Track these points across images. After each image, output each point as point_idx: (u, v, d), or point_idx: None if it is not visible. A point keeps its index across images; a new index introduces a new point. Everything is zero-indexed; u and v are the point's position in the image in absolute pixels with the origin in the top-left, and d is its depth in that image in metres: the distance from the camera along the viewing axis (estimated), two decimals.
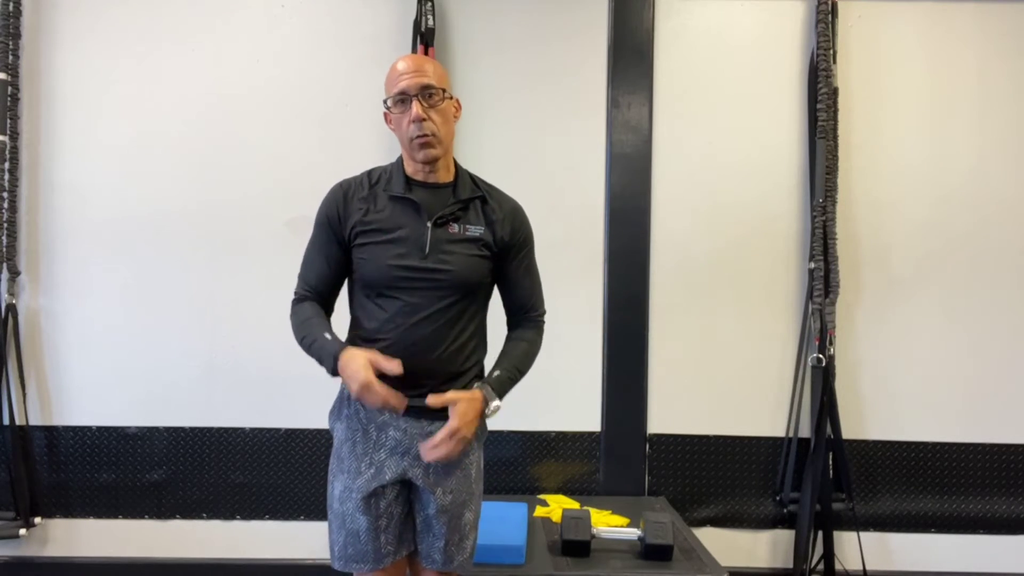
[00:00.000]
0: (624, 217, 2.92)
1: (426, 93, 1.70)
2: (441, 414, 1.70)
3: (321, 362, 1.69)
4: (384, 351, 1.66)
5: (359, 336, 1.76)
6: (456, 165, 1.83)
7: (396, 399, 1.62)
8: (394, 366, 1.60)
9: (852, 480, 2.87)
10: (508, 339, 1.85)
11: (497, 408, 1.72)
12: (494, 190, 1.85)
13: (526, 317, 1.86)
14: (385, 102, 1.75)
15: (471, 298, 1.76)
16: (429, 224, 1.72)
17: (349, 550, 1.73)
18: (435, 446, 1.65)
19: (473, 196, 1.78)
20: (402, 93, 1.70)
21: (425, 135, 1.69)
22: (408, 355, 1.66)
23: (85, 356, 2.90)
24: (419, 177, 1.78)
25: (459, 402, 1.66)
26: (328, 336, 1.71)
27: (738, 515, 2.94)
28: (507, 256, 1.80)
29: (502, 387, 1.74)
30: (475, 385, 1.73)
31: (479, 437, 1.82)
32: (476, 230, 1.76)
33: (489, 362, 1.84)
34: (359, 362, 1.60)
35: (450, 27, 2.92)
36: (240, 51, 2.92)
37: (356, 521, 1.72)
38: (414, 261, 1.70)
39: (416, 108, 1.68)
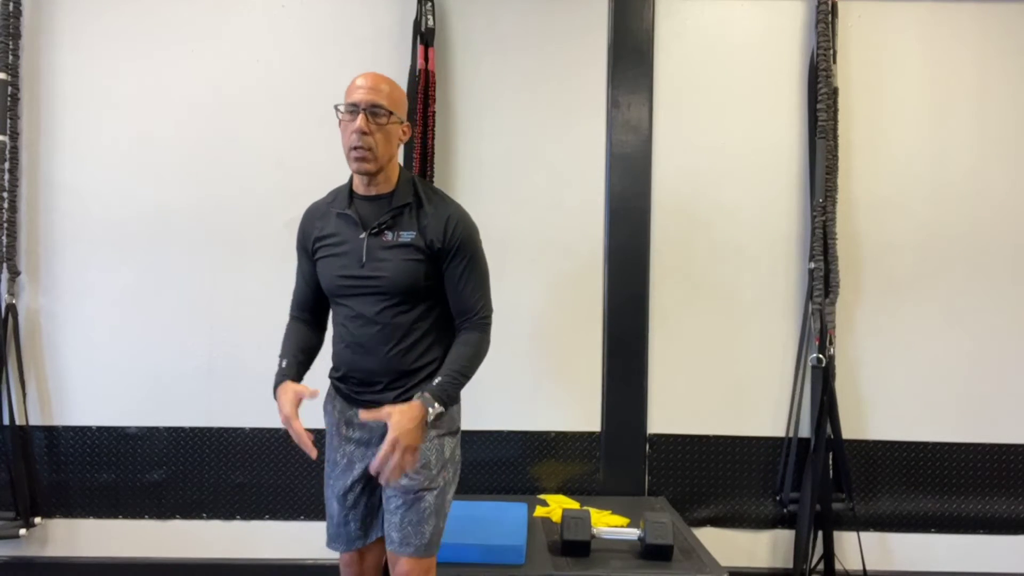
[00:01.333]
0: (624, 217, 2.92)
1: (374, 110, 1.81)
2: (415, 390, 1.86)
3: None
4: (343, 353, 1.93)
5: (333, 340, 1.98)
6: (401, 176, 1.92)
7: (306, 443, 1.81)
8: (309, 393, 1.84)
9: (852, 480, 2.87)
10: (454, 344, 1.90)
11: (440, 412, 1.79)
12: (435, 197, 1.93)
13: (468, 320, 1.89)
14: (337, 108, 1.87)
15: (414, 301, 1.86)
16: (363, 235, 1.86)
17: (330, 531, 2.00)
18: (382, 461, 1.72)
19: (406, 203, 1.87)
20: (353, 104, 1.82)
21: (361, 147, 1.80)
22: (360, 356, 1.89)
23: (85, 356, 2.91)
24: (361, 191, 1.91)
25: (392, 414, 1.73)
26: (283, 363, 1.97)
27: (738, 515, 2.94)
28: (444, 260, 1.87)
29: (442, 392, 1.80)
30: (414, 395, 1.81)
31: (440, 428, 1.89)
32: (408, 236, 1.85)
33: None
34: (285, 397, 1.86)
35: (450, 27, 2.93)
36: (240, 51, 2.92)
37: (331, 507, 1.99)
38: (353, 271, 1.87)
39: (360, 121, 1.79)
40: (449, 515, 2.26)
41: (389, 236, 1.86)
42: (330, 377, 2.04)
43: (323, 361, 2.11)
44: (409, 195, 1.89)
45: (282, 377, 1.93)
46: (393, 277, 1.84)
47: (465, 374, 1.85)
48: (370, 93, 1.82)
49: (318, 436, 2.88)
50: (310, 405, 2.98)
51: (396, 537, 1.86)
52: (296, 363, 1.97)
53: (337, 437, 2.00)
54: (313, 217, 1.99)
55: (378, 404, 1.83)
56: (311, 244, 1.96)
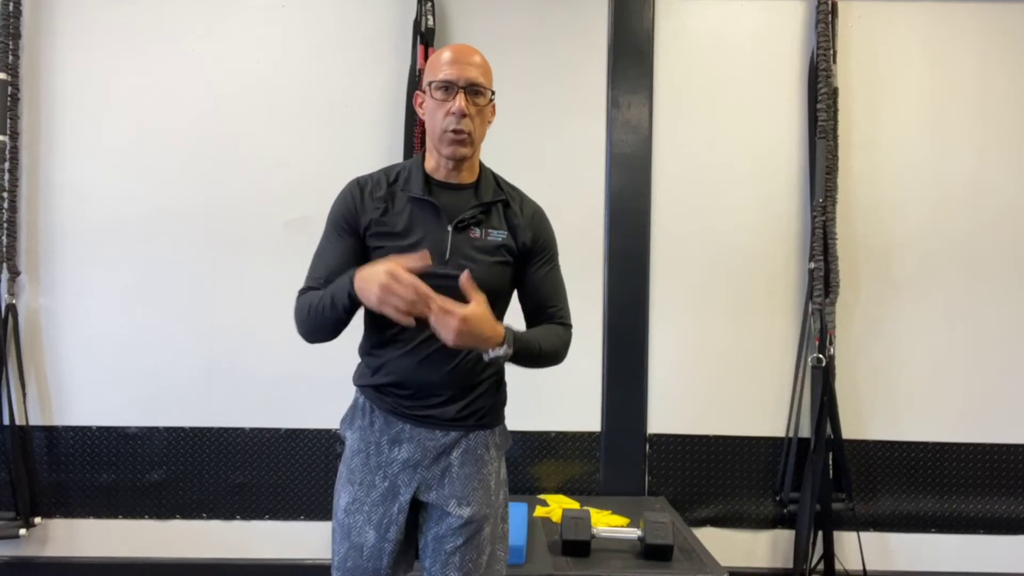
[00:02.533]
0: (624, 217, 2.91)
1: (474, 90, 1.60)
2: (458, 424, 1.65)
3: (334, 304, 1.53)
4: (396, 362, 1.62)
5: (370, 344, 1.69)
6: (481, 166, 1.74)
7: (420, 262, 1.45)
8: (418, 258, 1.46)
9: (852, 480, 2.87)
10: (541, 327, 1.72)
11: (504, 354, 1.53)
12: (516, 192, 1.77)
13: (551, 320, 1.72)
14: (426, 84, 1.63)
15: (492, 306, 1.57)
16: (450, 228, 1.62)
17: (348, 563, 1.65)
18: (445, 322, 1.44)
19: (496, 199, 1.69)
20: (449, 81, 1.59)
21: (461, 131, 1.60)
22: (423, 366, 1.62)
23: (85, 356, 2.90)
24: (439, 176, 1.68)
25: (477, 312, 1.47)
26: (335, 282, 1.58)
27: (738, 515, 2.94)
28: (528, 261, 1.71)
29: (522, 341, 1.57)
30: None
31: (500, 447, 1.75)
32: (499, 235, 1.66)
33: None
34: (378, 266, 1.44)
35: (450, 27, 2.92)
36: (240, 51, 2.91)
37: (363, 535, 1.65)
38: (433, 267, 1.52)
39: (461, 101, 1.58)
40: None
41: (477, 233, 1.65)
42: (367, 386, 1.71)
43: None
44: (495, 190, 1.71)
45: (353, 271, 1.53)
46: (482, 278, 1.55)
47: (543, 346, 1.63)
48: (470, 69, 1.60)
49: (321, 437, 2.91)
50: (314, 408, 2.98)
51: None
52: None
53: (376, 457, 1.67)
54: (369, 194, 1.70)
55: (435, 419, 1.64)
56: (364, 224, 1.67)
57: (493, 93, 1.65)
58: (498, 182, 1.75)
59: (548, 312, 1.73)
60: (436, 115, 1.62)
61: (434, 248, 1.58)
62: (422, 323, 1.47)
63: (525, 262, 1.71)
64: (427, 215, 1.64)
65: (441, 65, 1.61)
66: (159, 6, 2.90)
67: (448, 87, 1.60)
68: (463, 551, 1.63)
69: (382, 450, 1.67)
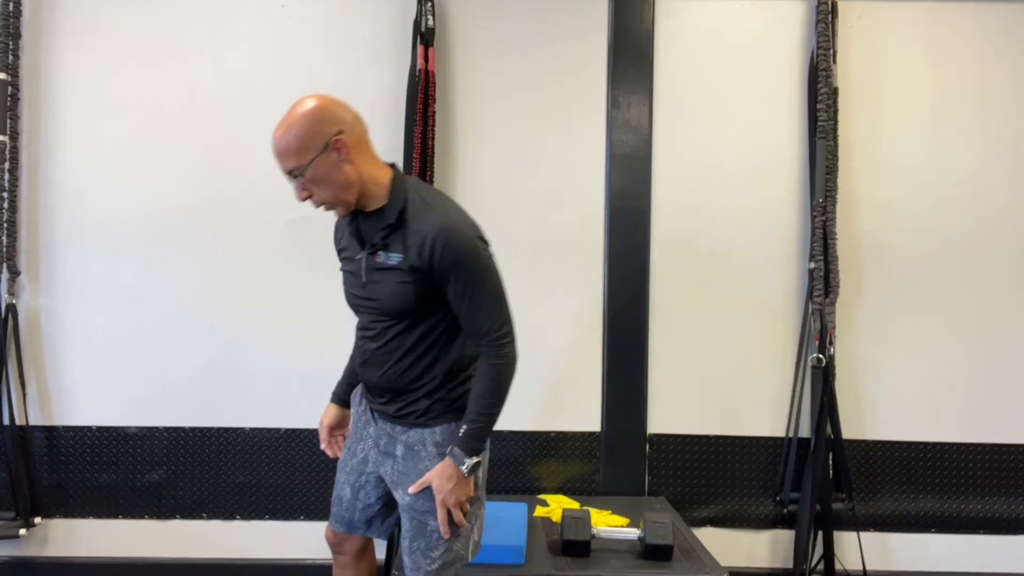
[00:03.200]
0: (624, 217, 2.92)
1: (293, 175, 1.72)
2: (404, 420, 1.82)
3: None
4: (359, 363, 1.89)
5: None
6: (396, 187, 1.76)
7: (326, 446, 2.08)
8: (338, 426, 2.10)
9: (852, 480, 2.87)
10: (475, 378, 1.79)
11: (475, 464, 1.74)
12: (424, 210, 1.72)
13: (479, 344, 1.76)
14: None
15: (412, 321, 1.75)
16: (362, 254, 1.78)
17: (333, 508, 2.01)
18: (441, 522, 1.75)
19: (393, 221, 1.73)
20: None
21: (317, 206, 1.76)
22: (366, 369, 1.86)
23: (85, 356, 2.91)
24: (362, 207, 1.79)
25: (432, 480, 1.74)
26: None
27: (738, 515, 2.94)
28: (439, 284, 1.71)
29: (468, 443, 1.73)
30: (448, 450, 1.76)
31: (441, 445, 1.81)
32: (395, 258, 1.72)
33: None
34: (323, 417, 2.08)
35: (450, 27, 2.92)
36: (240, 51, 2.91)
37: (343, 490, 1.98)
38: (356, 289, 1.82)
39: (295, 190, 1.74)
40: None
41: (381, 257, 1.74)
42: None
43: (342, 365, 2.18)
44: (400, 212, 1.72)
45: (332, 395, 2.12)
46: (385, 300, 1.75)
47: (487, 413, 1.75)
48: (283, 163, 1.73)
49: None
50: (314, 408, 2.99)
51: (407, 562, 1.83)
52: (346, 384, 2.09)
53: (361, 430, 1.96)
54: (337, 226, 1.95)
55: (383, 414, 1.87)
56: (337, 249, 1.94)
57: (308, 164, 1.69)
58: (407, 204, 1.74)
59: (476, 339, 1.76)
60: None
61: (356, 271, 1.80)
62: (361, 335, 1.84)
63: (436, 284, 1.72)
64: (355, 241, 1.82)
65: None
66: (159, 6, 2.90)
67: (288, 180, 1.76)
68: (411, 536, 1.81)
69: (365, 426, 1.95)
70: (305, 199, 1.74)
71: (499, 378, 1.75)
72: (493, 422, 1.77)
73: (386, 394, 1.83)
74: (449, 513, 1.75)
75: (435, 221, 1.70)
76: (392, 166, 1.82)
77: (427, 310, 1.76)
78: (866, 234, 2.92)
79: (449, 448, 1.75)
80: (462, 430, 1.75)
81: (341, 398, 2.09)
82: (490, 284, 1.74)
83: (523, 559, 2.22)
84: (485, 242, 1.76)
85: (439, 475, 1.73)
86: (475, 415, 1.75)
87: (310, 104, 1.72)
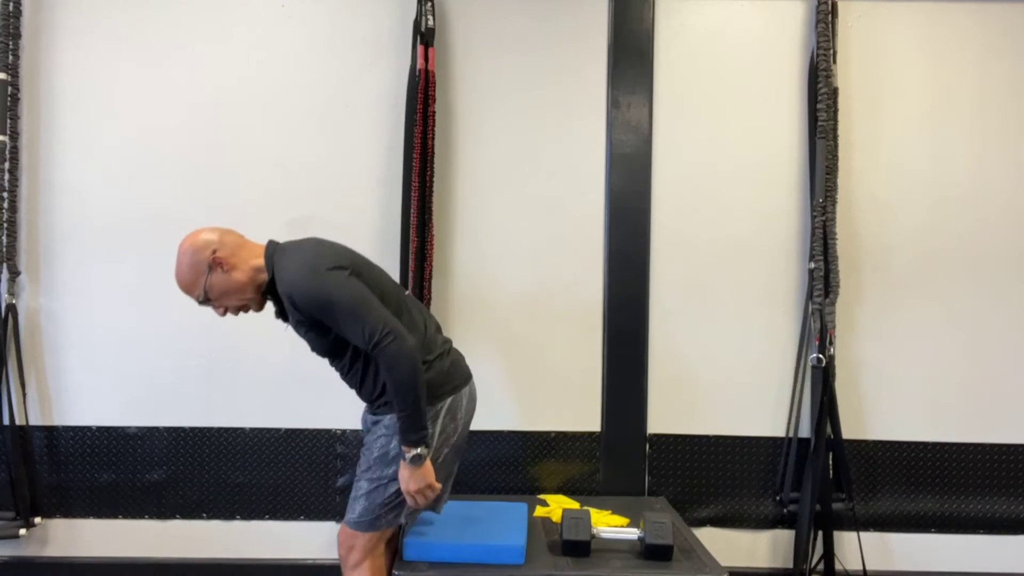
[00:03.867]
0: (624, 217, 2.92)
1: (202, 302, 2.05)
2: (371, 408, 2.18)
3: (412, 419, 2.00)
4: None
5: None
6: (266, 265, 2.04)
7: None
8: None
9: (852, 480, 2.87)
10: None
11: (416, 455, 1.97)
12: (280, 278, 2.00)
13: (373, 355, 1.96)
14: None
15: (342, 353, 2.08)
16: (284, 325, 2.15)
17: None
18: (411, 505, 2.06)
19: (274, 295, 2.06)
20: None
21: (237, 314, 2.10)
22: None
23: (85, 356, 2.91)
24: None
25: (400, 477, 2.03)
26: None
27: (738, 515, 2.94)
28: (322, 322, 1.98)
29: (404, 436, 1.97)
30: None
31: (390, 427, 2.09)
32: (291, 319, 2.05)
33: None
34: (431, 477, 2.07)
35: (450, 27, 2.93)
36: (240, 51, 2.92)
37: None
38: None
39: (215, 311, 2.07)
40: (449, 515, 2.34)
41: (288, 321, 2.09)
42: None
43: None
44: (271, 285, 2.04)
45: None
46: (315, 348, 2.12)
47: (403, 408, 1.95)
48: (189, 295, 2.06)
49: (321, 437, 2.90)
50: (314, 408, 2.99)
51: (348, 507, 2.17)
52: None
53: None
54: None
55: (374, 416, 2.17)
56: None
57: (202, 293, 2.03)
58: (273, 276, 2.03)
59: (366, 349, 1.96)
60: None
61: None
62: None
63: (321, 323, 1.99)
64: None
65: None
66: (159, 6, 2.90)
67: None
68: (351, 491, 2.17)
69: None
70: (224, 314, 2.08)
71: (393, 377, 1.93)
72: (413, 414, 1.95)
73: (369, 402, 2.20)
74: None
75: (283, 282, 1.98)
76: (267, 246, 2.09)
77: (339, 343, 2.04)
78: (866, 234, 2.92)
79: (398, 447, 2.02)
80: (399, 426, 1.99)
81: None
82: (344, 307, 1.93)
83: (523, 559, 2.22)
84: (331, 269, 1.96)
85: (400, 471, 2.01)
86: (397, 414, 1.97)
87: (186, 244, 2.06)
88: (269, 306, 2.17)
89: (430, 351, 2.13)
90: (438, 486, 2.04)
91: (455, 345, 2.29)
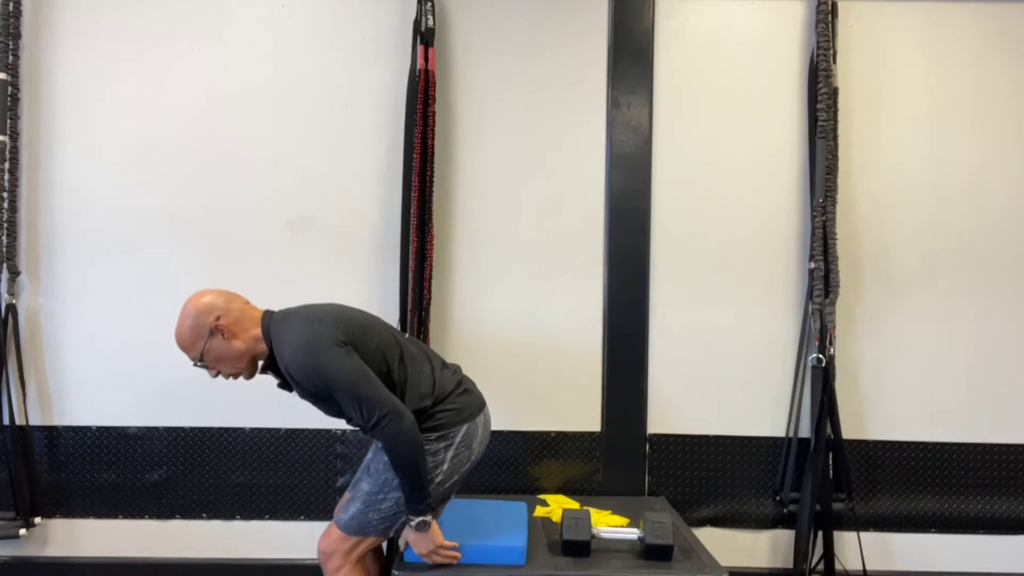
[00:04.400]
0: (624, 217, 2.92)
1: (197, 363, 2.06)
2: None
3: (414, 492, 2.06)
4: None
5: None
6: (264, 336, 2.07)
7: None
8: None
9: (852, 480, 2.87)
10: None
11: (420, 522, 2.03)
12: (280, 353, 2.02)
13: (372, 435, 2.01)
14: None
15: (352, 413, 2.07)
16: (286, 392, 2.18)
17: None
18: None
19: (274, 369, 2.09)
20: None
21: (230, 378, 2.11)
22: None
23: (85, 356, 2.90)
24: None
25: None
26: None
27: (738, 515, 2.94)
28: (323, 392, 2.02)
29: (408, 507, 2.03)
30: None
31: (377, 448, 2.20)
32: (295, 391, 2.09)
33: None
34: (439, 539, 2.13)
35: (450, 27, 2.93)
36: (240, 51, 2.92)
37: None
38: None
39: (208, 372, 2.08)
40: (449, 515, 2.34)
41: (291, 391, 2.13)
42: None
43: None
44: (271, 359, 2.08)
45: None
46: (328, 414, 2.14)
47: (405, 482, 2.00)
48: (186, 354, 2.08)
49: (321, 437, 2.90)
50: (314, 407, 2.99)
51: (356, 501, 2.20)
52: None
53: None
54: None
55: None
56: None
57: (200, 354, 2.05)
58: (272, 351, 2.06)
59: (364, 429, 2.02)
60: None
61: None
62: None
63: (323, 393, 2.03)
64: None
65: None
66: (159, 6, 2.90)
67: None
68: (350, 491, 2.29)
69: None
70: (216, 376, 2.09)
71: (394, 456, 1.98)
72: (415, 485, 2.00)
73: None
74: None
75: (283, 359, 2.02)
76: (263, 316, 2.11)
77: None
78: (866, 234, 2.92)
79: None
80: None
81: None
82: (341, 385, 1.97)
83: (524, 559, 2.22)
84: (324, 346, 1.98)
85: (408, 534, 2.07)
86: (400, 486, 2.03)
87: (191, 304, 2.07)
88: None
89: (444, 391, 2.17)
90: (450, 545, 2.10)
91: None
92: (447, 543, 2.10)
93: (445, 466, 2.13)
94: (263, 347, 2.07)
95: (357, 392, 1.95)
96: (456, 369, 2.31)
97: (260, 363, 2.12)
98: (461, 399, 2.20)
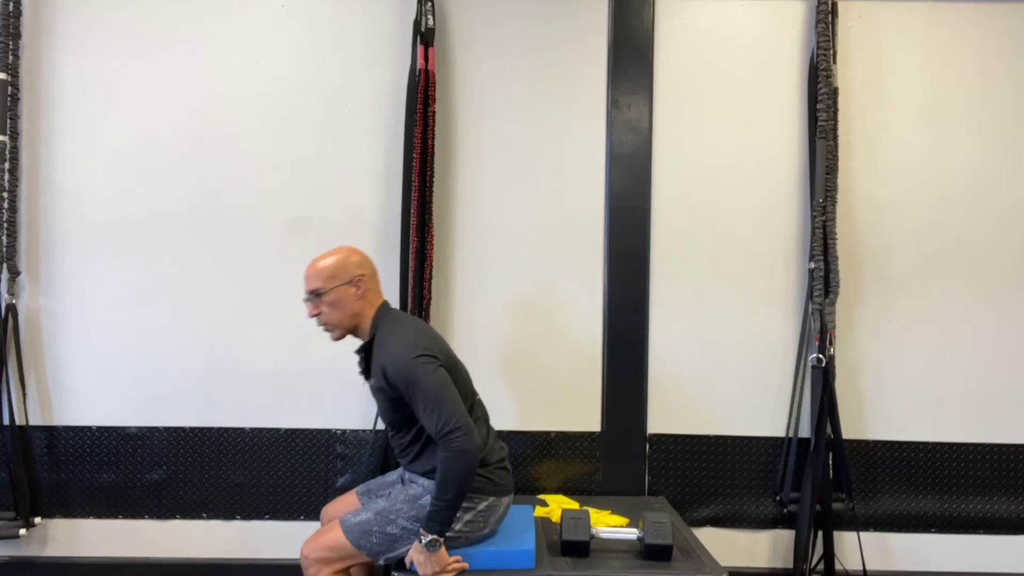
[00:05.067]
0: (624, 217, 2.92)
1: (313, 295, 2.17)
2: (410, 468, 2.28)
3: (449, 509, 2.08)
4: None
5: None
6: (375, 323, 2.20)
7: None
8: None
9: (852, 480, 2.87)
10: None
11: (431, 540, 2.04)
12: (382, 343, 2.15)
13: (437, 443, 2.05)
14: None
15: (405, 426, 2.20)
16: (364, 382, 2.29)
17: None
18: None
19: (366, 354, 2.22)
20: (304, 296, 2.20)
21: (320, 325, 2.21)
22: (397, 456, 2.33)
23: (85, 356, 2.91)
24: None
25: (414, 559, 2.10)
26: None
27: (738, 515, 2.94)
28: (404, 397, 2.10)
29: (428, 523, 2.04)
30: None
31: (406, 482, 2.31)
32: (374, 382, 2.19)
33: None
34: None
35: (450, 27, 2.93)
36: (240, 51, 2.92)
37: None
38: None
39: (308, 308, 2.19)
40: None
41: (369, 382, 2.23)
42: None
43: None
44: (368, 344, 2.21)
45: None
46: (381, 414, 2.28)
47: (441, 499, 2.02)
48: (307, 283, 2.18)
49: (321, 437, 2.91)
50: (314, 408, 2.99)
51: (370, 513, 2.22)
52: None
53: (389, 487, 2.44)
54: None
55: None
56: None
57: (329, 290, 2.15)
58: (374, 338, 2.19)
59: (434, 436, 2.05)
60: None
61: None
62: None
63: (400, 399, 2.11)
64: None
65: None
66: (159, 6, 2.90)
67: (305, 299, 2.20)
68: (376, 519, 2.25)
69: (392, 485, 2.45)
70: (313, 316, 2.18)
71: (448, 469, 2.01)
72: (448, 507, 2.02)
73: (417, 473, 2.27)
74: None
75: (383, 353, 2.13)
76: (381, 303, 2.25)
77: (410, 418, 2.15)
78: (866, 234, 2.92)
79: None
80: (426, 511, 2.06)
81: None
82: (428, 393, 2.05)
83: (532, 563, 2.20)
84: (426, 356, 2.09)
85: (414, 552, 2.08)
86: (432, 499, 2.04)
87: (348, 249, 2.22)
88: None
89: (489, 458, 2.23)
90: (454, 560, 2.11)
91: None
92: (451, 558, 2.11)
93: (456, 526, 2.13)
94: (366, 327, 2.20)
95: (440, 397, 2.04)
96: (504, 447, 2.36)
97: (352, 337, 2.25)
98: (499, 473, 2.24)
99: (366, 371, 2.25)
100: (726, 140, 2.93)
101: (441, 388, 2.06)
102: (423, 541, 2.03)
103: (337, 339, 2.23)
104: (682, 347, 2.94)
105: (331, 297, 2.15)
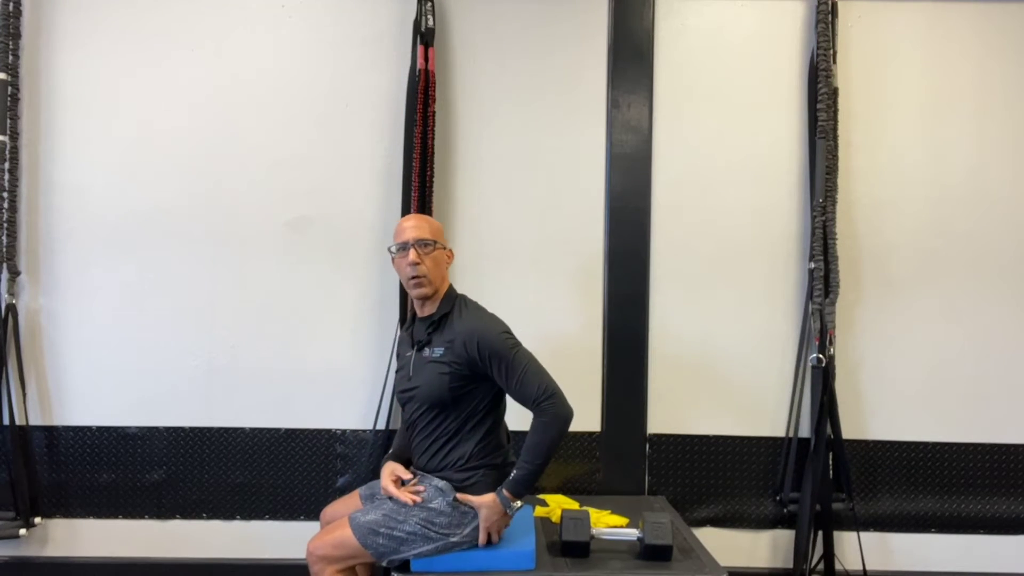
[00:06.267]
0: (624, 217, 2.92)
1: (421, 243, 2.16)
2: (429, 465, 2.24)
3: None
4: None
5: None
6: (446, 297, 2.22)
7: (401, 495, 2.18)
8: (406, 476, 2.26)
9: (852, 480, 2.87)
10: (528, 432, 2.12)
11: (518, 507, 2.13)
12: (465, 313, 2.19)
13: (532, 410, 2.09)
14: (390, 249, 2.21)
15: (446, 409, 2.17)
16: (412, 352, 2.23)
17: None
18: (482, 542, 2.16)
19: (440, 321, 2.19)
20: (404, 243, 2.17)
21: (417, 276, 2.15)
22: (413, 448, 2.29)
23: (85, 356, 2.91)
24: (419, 313, 2.27)
25: (481, 508, 2.12)
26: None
27: (738, 515, 2.94)
28: (484, 369, 2.11)
29: (517, 486, 2.09)
30: (498, 489, 2.13)
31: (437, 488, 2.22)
32: (438, 352, 2.16)
33: None
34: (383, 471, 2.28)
35: (450, 27, 2.93)
36: (240, 51, 2.92)
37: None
38: (403, 383, 2.26)
39: (412, 253, 2.14)
40: None
41: (427, 352, 2.19)
42: None
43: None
44: (442, 315, 2.19)
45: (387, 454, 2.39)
46: (424, 387, 2.17)
47: (531, 462, 2.07)
48: (416, 231, 2.17)
49: (321, 437, 2.91)
50: (314, 407, 2.99)
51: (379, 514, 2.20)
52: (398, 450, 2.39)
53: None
54: (400, 339, 2.42)
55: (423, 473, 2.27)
56: (397, 369, 2.37)
57: (437, 243, 2.19)
58: (451, 310, 2.20)
59: (528, 405, 2.10)
60: (400, 269, 2.21)
61: (405, 368, 2.26)
62: (406, 426, 2.32)
63: (474, 375, 2.13)
64: (406, 343, 2.31)
65: (399, 232, 2.20)
66: (159, 6, 2.90)
67: (404, 246, 2.17)
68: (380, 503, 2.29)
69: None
70: (416, 263, 2.14)
71: (544, 433, 2.07)
72: (538, 471, 2.08)
73: (423, 467, 2.27)
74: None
75: (470, 324, 2.15)
76: (451, 287, 2.28)
77: (455, 401, 2.15)
78: (866, 234, 2.92)
79: (499, 489, 2.12)
80: (513, 474, 2.10)
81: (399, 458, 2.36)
82: (522, 362, 2.10)
83: (533, 564, 2.20)
84: (510, 334, 2.16)
85: (488, 506, 2.11)
86: (522, 463, 2.09)
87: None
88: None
89: (507, 456, 2.28)
90: (503, 530, 2.18)
91: None
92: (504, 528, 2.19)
93: (466, 531, 2.15)
94: (438, 298, 2.21)
95: (534, 367, 2.11)
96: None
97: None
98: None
99: (424, 343, 2.21)
100: (726, 140, 2.93)
101: (532, 359, 2.13)
102: (511, 507, 2.10)
103: (423, 296, 2.19)
104: (682, 347, 2.94)
105: (436, 253, 2.19)
